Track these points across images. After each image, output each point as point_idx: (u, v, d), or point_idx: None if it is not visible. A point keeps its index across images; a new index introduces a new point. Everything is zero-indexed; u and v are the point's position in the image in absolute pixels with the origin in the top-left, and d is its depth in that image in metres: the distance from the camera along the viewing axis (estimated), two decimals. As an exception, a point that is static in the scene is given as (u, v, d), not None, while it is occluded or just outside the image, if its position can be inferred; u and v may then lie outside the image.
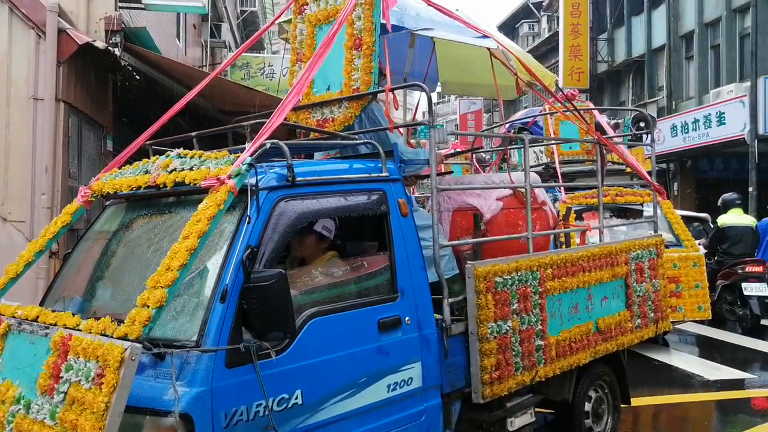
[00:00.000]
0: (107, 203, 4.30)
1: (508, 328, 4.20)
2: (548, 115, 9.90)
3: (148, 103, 9.10)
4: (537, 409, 4.92)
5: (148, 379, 2.96)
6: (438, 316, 4.02)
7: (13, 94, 7.23)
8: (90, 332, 2.91)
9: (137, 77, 8.49)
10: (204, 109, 9.58)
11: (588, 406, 5.20)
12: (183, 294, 3.19)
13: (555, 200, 8.27)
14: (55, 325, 3.16)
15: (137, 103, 9.27)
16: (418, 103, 6.73)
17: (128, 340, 2.74)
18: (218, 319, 3.02)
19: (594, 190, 7.54)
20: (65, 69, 7.39)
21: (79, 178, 7.92)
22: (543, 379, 4.51)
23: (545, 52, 29.75)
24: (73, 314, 3.21)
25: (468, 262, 4.20)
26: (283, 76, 13.84)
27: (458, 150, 9.72)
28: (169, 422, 2.81)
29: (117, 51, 7.77)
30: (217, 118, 9.70)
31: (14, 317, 3.45)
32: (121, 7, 8.50)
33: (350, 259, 4.00)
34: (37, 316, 3.31)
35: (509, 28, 37.06)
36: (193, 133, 4.08)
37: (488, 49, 5.28)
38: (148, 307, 2.82)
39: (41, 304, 3.93)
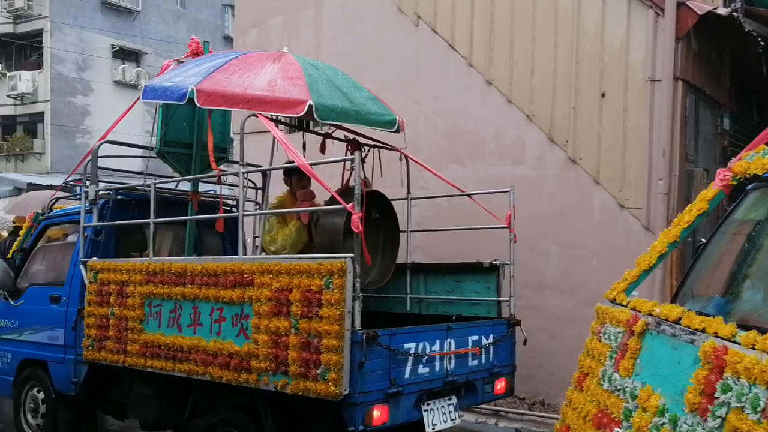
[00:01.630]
0: (749, 187, 3.65)
1: None
2: None
3: (772, 73, 7.98)
4: None
5: None
6: None
7: (630, 78, 7.13)
8: (753, 347, 2.35)
9: (761, 43, 7.47)
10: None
11: None
12: None
13: None
14: (702, 331, 2.70)
15: (758, 75, 8.22)
16: None
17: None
18: None
19: None
20: (683, 45, 6.96)
21: (695, 161, 7.40)
22: None
23: None
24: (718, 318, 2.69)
25: None
26: None
27: None
28: None
29: (738, 16, 6.95)
30: None
31: (651, 315, 3.13)
32: (742, -33, 7.60)
33: None
34: (680, 318, 2.90)
35: None
36: None
37: None
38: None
39: (672, 300, 3.55)
